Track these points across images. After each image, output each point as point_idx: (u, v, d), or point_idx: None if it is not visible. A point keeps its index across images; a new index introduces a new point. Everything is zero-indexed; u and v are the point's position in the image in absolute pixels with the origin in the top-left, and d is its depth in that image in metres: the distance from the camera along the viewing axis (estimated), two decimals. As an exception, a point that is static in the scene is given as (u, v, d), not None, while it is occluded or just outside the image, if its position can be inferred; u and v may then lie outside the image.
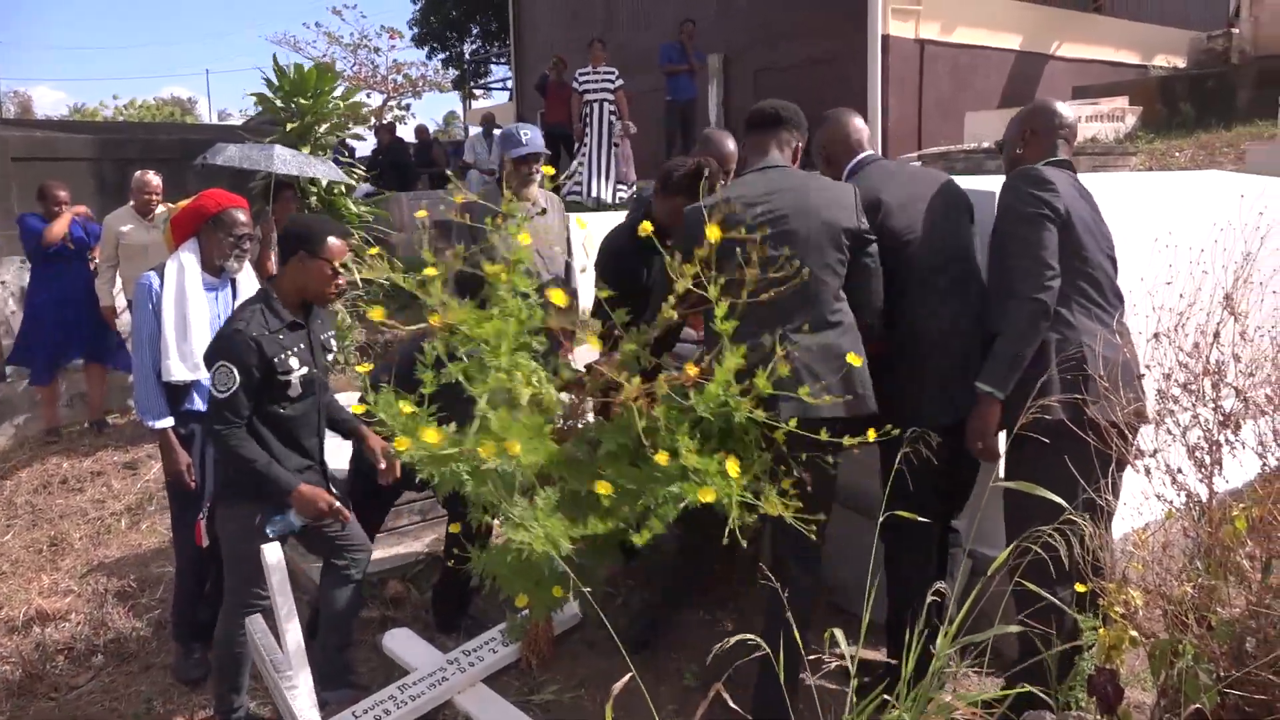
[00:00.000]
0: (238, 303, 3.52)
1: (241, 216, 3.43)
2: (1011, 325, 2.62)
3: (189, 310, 3.33)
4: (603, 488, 2.46)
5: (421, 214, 2.93)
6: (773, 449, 2.53)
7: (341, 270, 2.99)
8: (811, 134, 3.18)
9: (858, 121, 3.20)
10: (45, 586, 4.30)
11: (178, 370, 3.31)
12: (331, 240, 2.96)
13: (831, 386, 2.60)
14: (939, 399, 2.85)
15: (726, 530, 2.37)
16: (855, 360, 2.63)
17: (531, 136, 3.89)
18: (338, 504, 2.98)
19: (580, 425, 2.83)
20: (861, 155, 3.13)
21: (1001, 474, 2.73)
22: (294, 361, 2.92)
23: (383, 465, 3.14)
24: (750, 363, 2.48)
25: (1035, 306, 2.58)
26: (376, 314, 2.73)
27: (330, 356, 3.17)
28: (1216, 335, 2.37)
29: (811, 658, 2.21)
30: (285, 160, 5.87)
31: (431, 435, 2.50)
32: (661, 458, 2.42)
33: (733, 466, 2.41)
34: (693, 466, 2.41)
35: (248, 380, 2.82)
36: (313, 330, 3.05)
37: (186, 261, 3.37)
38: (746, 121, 3.09)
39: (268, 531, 2.96)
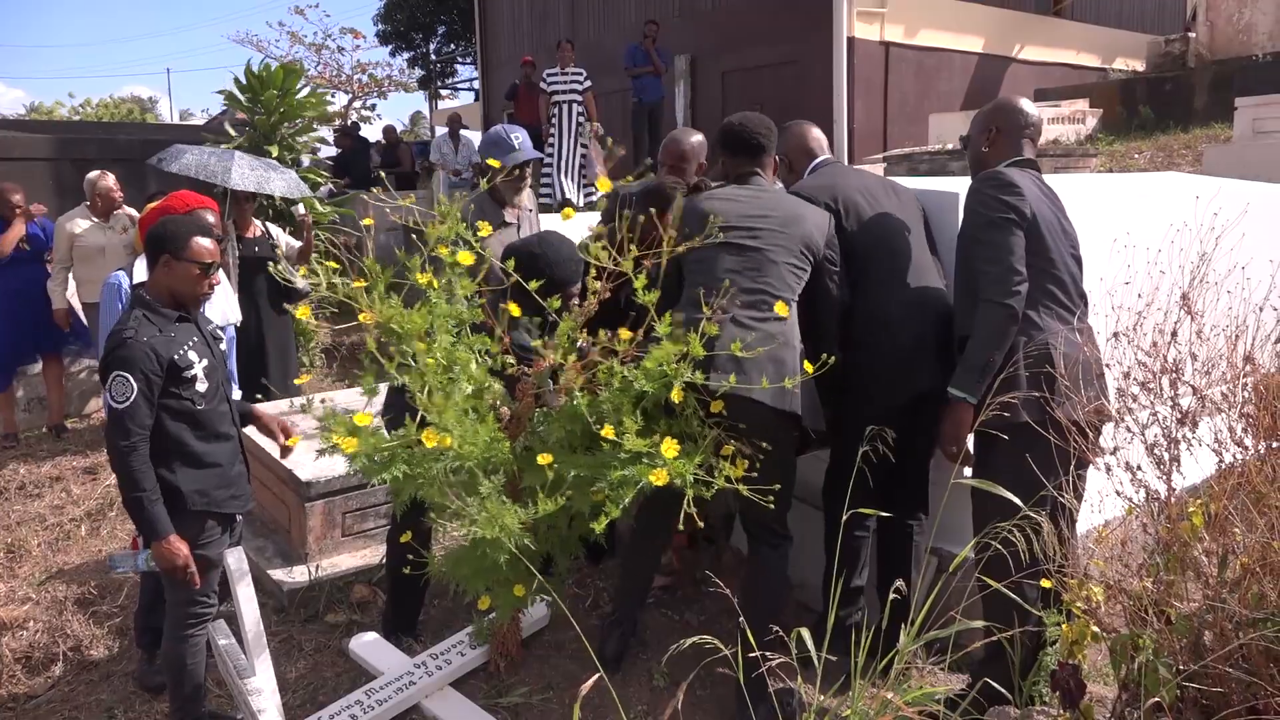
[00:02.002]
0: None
1: (210, 218, 3.40)
2: (981, 331, 2.64)
3: None
4: (544, 458, 2.52)
5: (368, 221, 2.90)
6: (716, 426, 2.64)
7: (210, 269, 2.90)
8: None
9: (815, 131, 3.43)
10: (2, 594, 4.21)
11: None
12: (196, 240, 2.87)
13: (768, 374, 2.66)
14: (889, 384, 2.98)
15: (682, 512, 2.45)
16: (806, 366, 2.73)
17: (523, 141, 3.76)
18: (193, 569, 2.82)
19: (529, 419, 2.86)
20: (819, 158, 3.34)
21: (968, 472, 2.76)
22: (193, 355, 2.85)
23: (283, 440, 3.15)
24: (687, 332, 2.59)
25: (1004, 312, 2.61)
26: (303, 312, 2.70)
27: (221, 345, 3.10)
28: (1174, 334, 2.41)
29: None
30: (244, 175, 5.67)
31: (351, 444, 2.54)
32: (608, 431, 2.50)
33: (670, 448, 2.47)
34: (638, 450, 2.47)
35: (147, 389, 2.72)
36: (199, 322, 2.99)
37: None
38: (729, 144, 3.15)
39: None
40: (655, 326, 2.60)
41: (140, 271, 3.33)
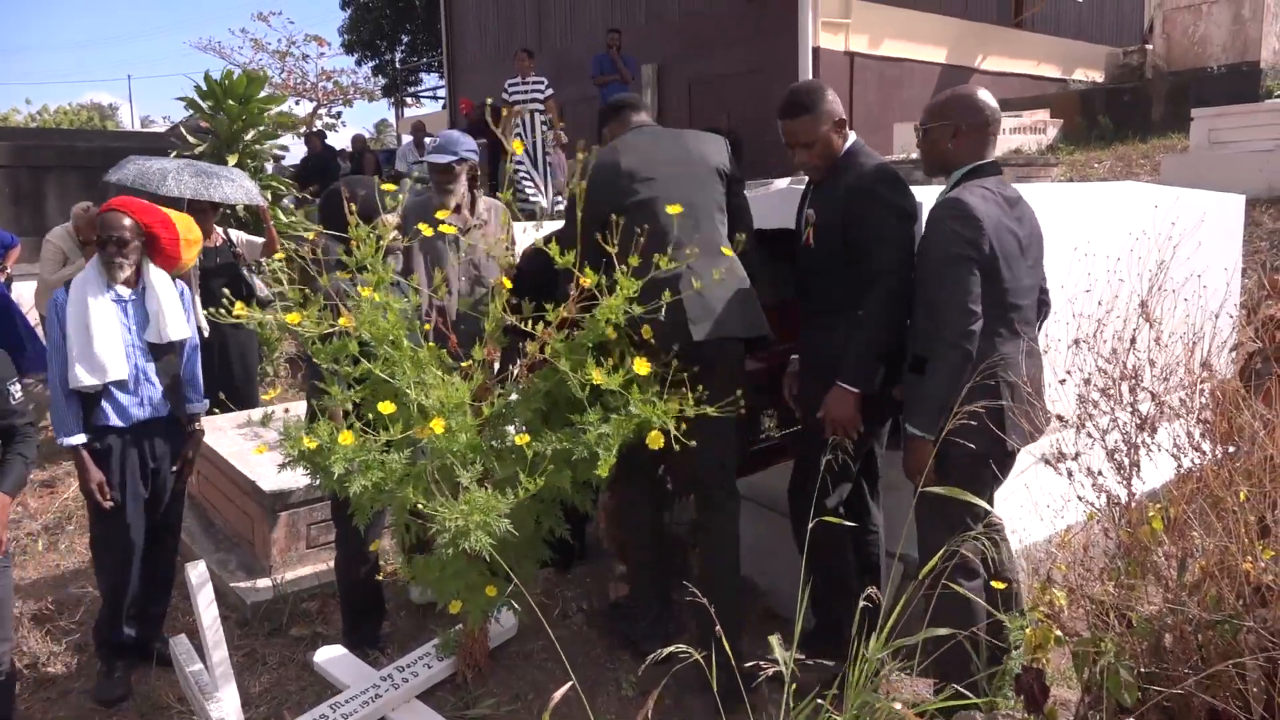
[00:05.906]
0: (153, 310, 3.42)
1: (116, 220, 3.28)
2: (937, 371, 2.61)
3: (90, 319, 3.24)
4: (521, 439, 2.62)
5: (311, 235, 2.89)
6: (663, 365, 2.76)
7: None
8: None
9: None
10: (-44, 611, 4.12)
11: (82, 376, 3.24)
12: None
13: (732, 310, 2.91)
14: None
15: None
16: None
17: (444, 144, 3.85)
18: None
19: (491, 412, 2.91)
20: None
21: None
22: None
23: None
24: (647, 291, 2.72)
25: (959, 354, 2.58)
26: (293, 318, 2.69)
27: (14, 401, 3.03)
28: (1133, 341, 2.45)
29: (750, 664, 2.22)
30: (182, 183, 5.51)
31: (349, 437, 2.59)
32: (596, 375, 2.60)
33: (641, 366, 2.64)
34: (614, 387, 2.62)
35: None
36: None
37: (89, 273, 3.32)
38: (608, 119, 3.37)
39: None
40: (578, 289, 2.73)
41: (76, 283, 3.29)
